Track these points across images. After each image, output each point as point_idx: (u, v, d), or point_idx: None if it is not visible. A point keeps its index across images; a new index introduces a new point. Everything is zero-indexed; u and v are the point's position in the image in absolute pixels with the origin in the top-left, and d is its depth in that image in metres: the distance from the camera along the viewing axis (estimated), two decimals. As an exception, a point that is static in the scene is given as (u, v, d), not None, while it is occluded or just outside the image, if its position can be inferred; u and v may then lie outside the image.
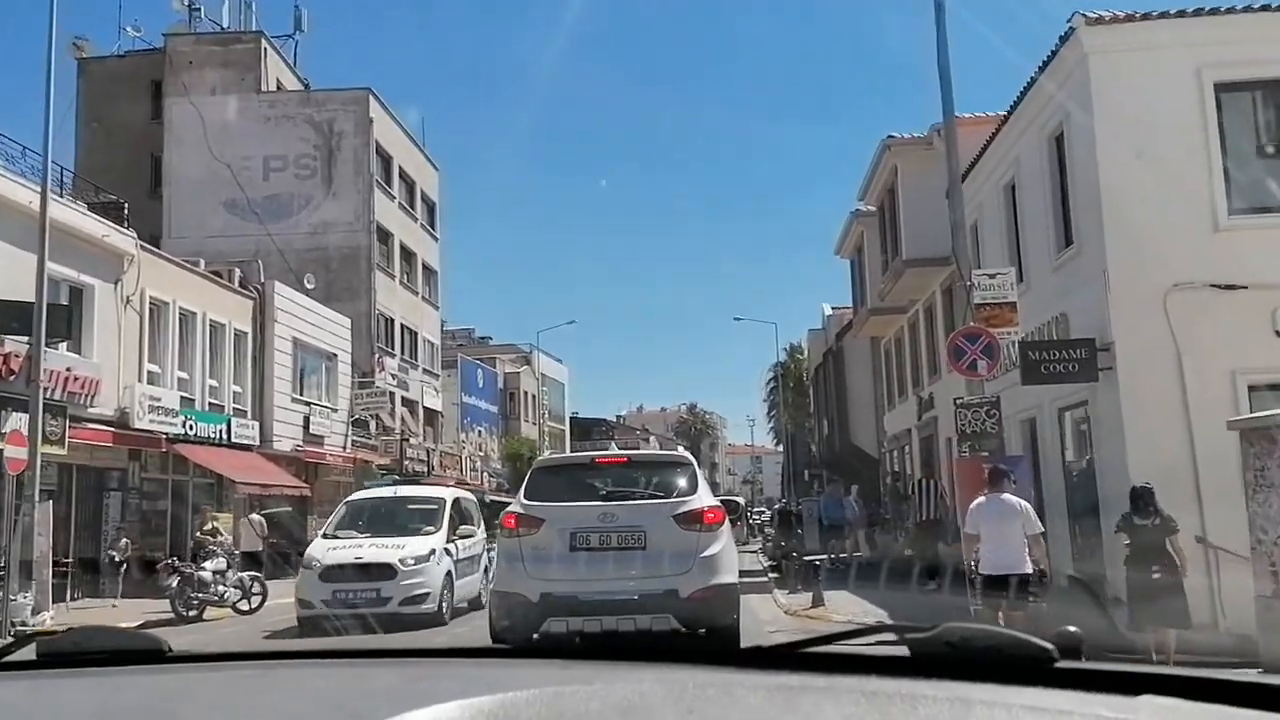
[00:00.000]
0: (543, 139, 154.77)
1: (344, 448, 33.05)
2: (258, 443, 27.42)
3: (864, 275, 28.89)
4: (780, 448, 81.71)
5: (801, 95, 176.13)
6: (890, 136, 22.75)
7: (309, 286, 33.61)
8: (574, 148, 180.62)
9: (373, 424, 37.90)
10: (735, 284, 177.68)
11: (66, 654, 1.86)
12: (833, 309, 51.24)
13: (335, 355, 32.73)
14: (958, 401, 13.24)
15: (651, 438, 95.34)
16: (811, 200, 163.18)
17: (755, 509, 65.12)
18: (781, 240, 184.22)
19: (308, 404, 30.39)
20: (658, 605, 8.90)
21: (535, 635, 8.83)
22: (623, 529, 9.28)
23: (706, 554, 9.25)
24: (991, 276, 13.61)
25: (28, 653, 1.90)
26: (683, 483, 9.86)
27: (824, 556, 23.73)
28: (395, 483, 22.62)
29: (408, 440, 41.33)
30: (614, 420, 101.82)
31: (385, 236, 42.04)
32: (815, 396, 47.03)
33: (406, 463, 39.46)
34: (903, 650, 1.51)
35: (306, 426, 30.07)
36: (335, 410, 32.48)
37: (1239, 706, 1.22)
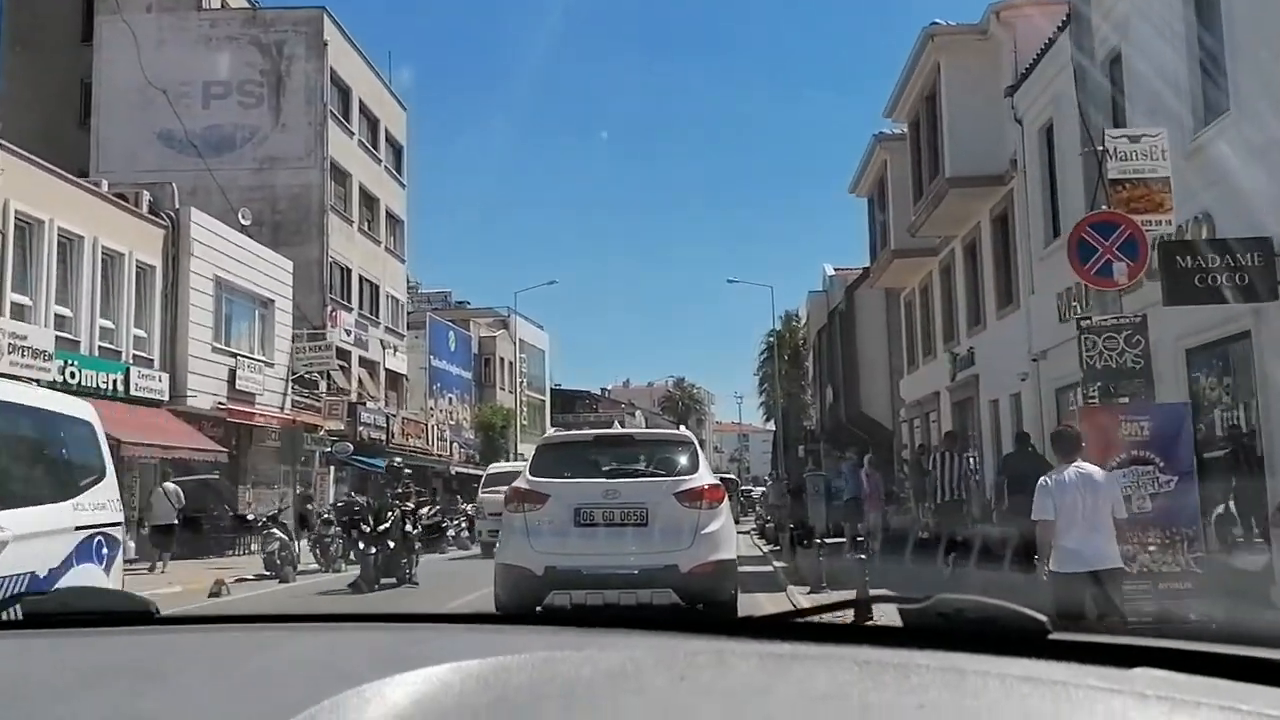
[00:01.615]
0: (534, 113, 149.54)
1: (282, 408, 28.70)
2: (167, 397, 23.08)
3: (886, 213, 24.63)
4: (770, 424, 77.90)
5: (801, 58, 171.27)
6: (934, 24, 18.41)
7: (244, 222, 29.21)
8: (565, 126, 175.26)
9: (323, 383, 33.61)
10: (729, 259, 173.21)
11: (53, 614, 1.86)
12: (835, 269, 47.45)
13: (272, 301, 28.34)
14: (1085, 324, 8.98)
15: (637, 412, 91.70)
16: (811, 167, 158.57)
17: (743, 487, 61.12)
18: (780, 210, 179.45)
19: (234, 355, 26.00)
20: (658, 579, 9.03)
21: (539, 608, 8.74)
22: (625, 505, 9.40)
23: (707, 530, 9.35)
24: (1134, 140, 9.28)
25: (14, 613, 1.89)
26: (684, 461, 9.97)
27: (843, 540, 19.89)
28: None
29: (363, 403, 37.07)
30: (599, 393, 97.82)
31: (342, 177, 37.64)
32: (816, 363, 42.86)
33: (361, 429, 35.23)
34: (896, 621, 1.48)
35: (232, 381, 25.71)
36: (271, 365, 28.11)
37: (1234, 680, 1.18)
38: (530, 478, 9.92)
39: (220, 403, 24.98)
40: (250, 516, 19.38)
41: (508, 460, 51.65)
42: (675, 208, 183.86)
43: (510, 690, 1.19)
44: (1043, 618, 1.35)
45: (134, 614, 1.86)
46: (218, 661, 1.52)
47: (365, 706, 1.14)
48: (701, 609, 9.13)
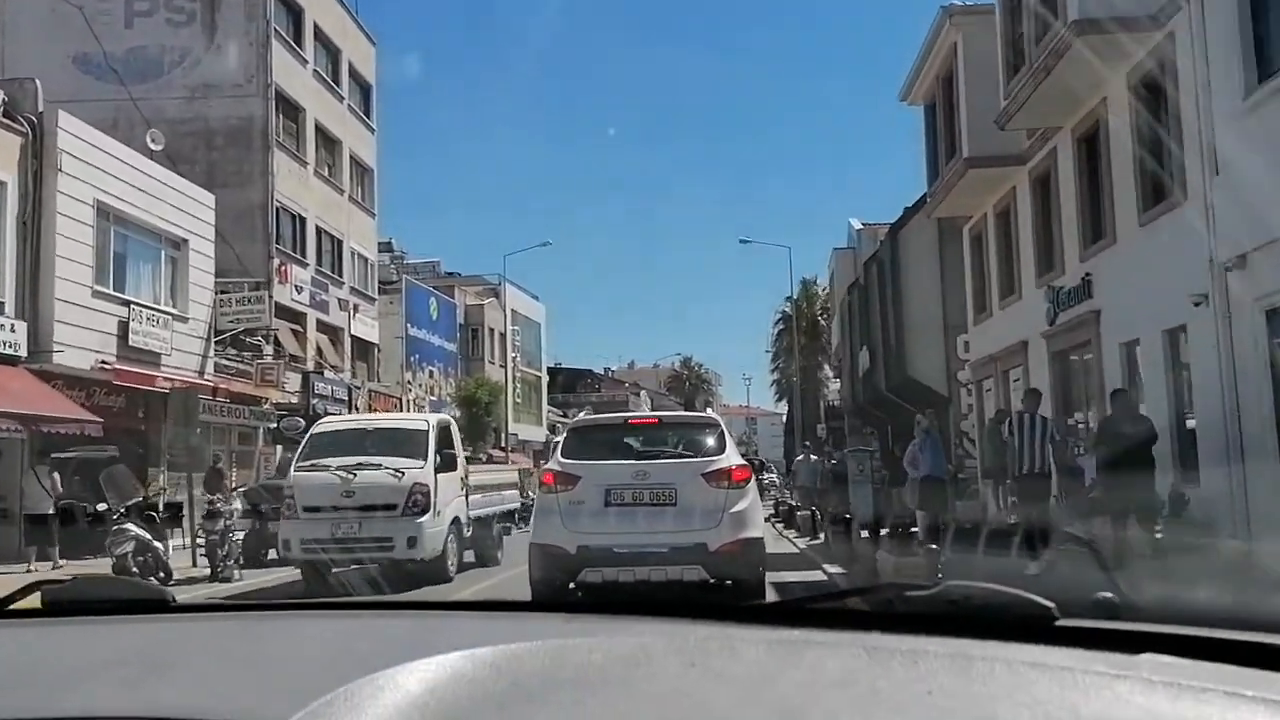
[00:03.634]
0: (536, 82, 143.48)
1: (201, 372, 23.31)
2: (25, 353, 17.73)
3: (956, 114, 19.19)
4: (783, 405, 72.87)
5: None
6: None
7: (154, 147, 23.81)
8: (571, 102, 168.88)
9: (268, 347, 28.26)
10: (740, 229, 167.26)
11: (71, 602, 1.88)
12: (864, 224, 42.47)
13: (185, 242, 22.90)
14: None
15: (642, 393, 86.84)
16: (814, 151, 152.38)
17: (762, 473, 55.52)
18: (793, 181, 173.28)
19: (126, 304, 20.58)
20: (687, 557, 9.22)
21: (572, 584, 9.33)
22: (655, 486, 9.54)
23: (734, 510, 9.49)
24: None
25: (33, 601, 1.92)
26: (711, 442, 10.14)
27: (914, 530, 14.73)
28: None
29: (320, 372, 31.74)
30: (601, 373, 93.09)
31: (294, 111, 32.33)
32: (846, 326, 37.41)
33: (316, 401, 29.89)
34: (905, 608, 1.51)
35: (124, 336, 20.33)
36: (185, 319, 22.70)
37: (1240, 665, 1.19)
38: (562, 460, 10.01)
39: (105, 362, 19.59)
40: (103, 507, 14.08)
41: (498, 442, 46.54)
42: (683, 184, 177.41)
43: (523, 677, 1.20)
44: (1050, 604, 1.34)
45: (150, 602, 1.88)
46: (233, 649, 1.54)
47: (379, 694, 1.14)
48: (730, 585, 9.53)
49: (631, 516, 9.43)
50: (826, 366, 61.61)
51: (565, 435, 11.20)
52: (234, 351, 26.30)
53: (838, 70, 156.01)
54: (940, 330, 25.36)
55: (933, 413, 16.73)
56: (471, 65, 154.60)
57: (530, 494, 30.74)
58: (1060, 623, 1.34)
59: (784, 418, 76.28)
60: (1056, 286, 16.56)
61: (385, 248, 50.53)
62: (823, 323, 61.01)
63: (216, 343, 24.85)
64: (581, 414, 19.39)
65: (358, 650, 1.40)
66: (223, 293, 24.60)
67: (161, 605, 1.85)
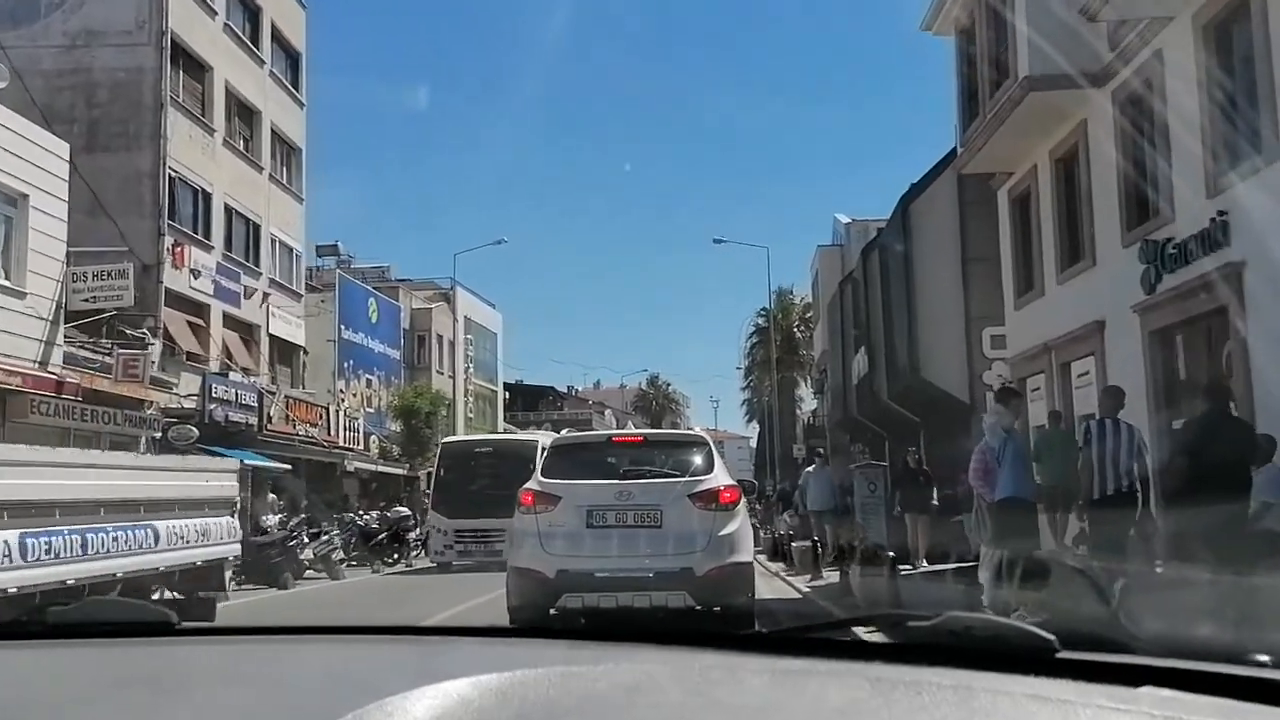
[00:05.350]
0: (513, 91, 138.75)
1: (42, 361, 18.45)
2: None
3: (1003, 32, 14.81)
4: (753, 427, 68.45)
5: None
6: None
7: (-3, 83, 19.09)
8: (558, 112, 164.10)
9: (154, 339, 23.47)
10: (714, 231, 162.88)
11: (78, 624, 1.86)
12: (852, 219, 38.47)
13: (24, 197, 18.07)
14: None
15: (607, 412, 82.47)
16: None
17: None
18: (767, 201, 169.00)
19: (-72, 269, 15.83)
20: (672, 583, 8.85)
21: (552, 611, 8.91)
22: (639, 507, 9.25)
23: (722, 533, 9.16)
24: None
25: (39, 623, 1.91)
26: (699, 461, 9.85)
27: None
28: None
29: (225, 374, 26.91)
30: (564, 391, 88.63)
31: (197, 70, 27.68)
32: (839, 327, 32.99)
33: (214, 406, 25.05)
34: (908, 638, 1.49)
35: (-75, 312, 15.56)
36: (21, 295, 17.87)
37: (1240, 699, 1.18)
38: (542, 479, 9.72)
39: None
40: None
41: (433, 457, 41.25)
42: (658, 197, 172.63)
43: (528, 705, 1.19)
44: (1050, 636, 1.33)
45: (155, 625, 1.86)
46: (239, 673, 1.51)
47: None
48: (718, 611, 9.09)
49: (614, 539, 9.15)
50: (803, 383, 57.44)
51: (546, 453, 10.98)
52: (107, 343, 21.55)
53: (820, 67, 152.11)
54: (961, 323, 21.00)
55: (1019, 403, 12.10)
56: (443, 75, 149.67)
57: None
58: (1061, 655, 1.32)
59: (752, 441, 71.99)
60: (1159, 240, 12.15)
61: (330, 251, 45.94)
62: (799, 335, 56.76)
63: (76, 328, 20.10)
64: (565, 431, 18.46)
65: (364, 675, 1.40)
66: (75, 265, 19.77)
67: (166, 628, 1.84)
